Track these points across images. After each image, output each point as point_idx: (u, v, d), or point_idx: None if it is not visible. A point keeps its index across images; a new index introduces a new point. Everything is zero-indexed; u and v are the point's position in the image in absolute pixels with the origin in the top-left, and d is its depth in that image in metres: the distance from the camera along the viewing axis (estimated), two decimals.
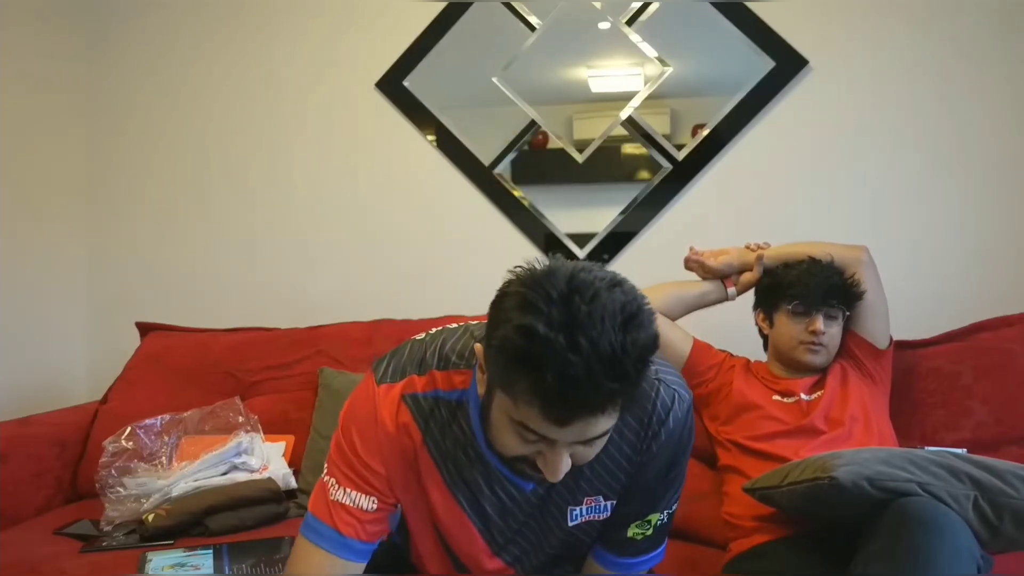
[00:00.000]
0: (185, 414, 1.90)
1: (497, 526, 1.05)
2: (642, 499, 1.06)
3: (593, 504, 1.04)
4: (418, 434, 1.00)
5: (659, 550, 1.12)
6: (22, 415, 2.02)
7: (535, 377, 0.78)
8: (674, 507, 1.09)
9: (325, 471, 1.05)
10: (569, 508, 1.04)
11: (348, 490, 1.02)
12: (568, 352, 0.76)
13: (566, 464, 0.87)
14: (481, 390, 0.93)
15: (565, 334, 0.77)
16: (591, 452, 0.89)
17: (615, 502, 1.06)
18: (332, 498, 1.02)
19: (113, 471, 1.75)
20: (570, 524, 1.05)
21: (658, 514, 1.07)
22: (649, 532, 1.07)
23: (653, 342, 0.82)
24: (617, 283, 0.82)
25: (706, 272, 1.81)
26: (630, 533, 1.07)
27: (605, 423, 0.84)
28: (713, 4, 2.25)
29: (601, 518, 1.06)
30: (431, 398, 1.00)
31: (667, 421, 1.00)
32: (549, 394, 0.79)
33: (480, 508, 1.03)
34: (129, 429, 1.83)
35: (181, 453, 1.81)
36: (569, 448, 0.87)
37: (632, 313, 0.80)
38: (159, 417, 1.88)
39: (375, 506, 1.02)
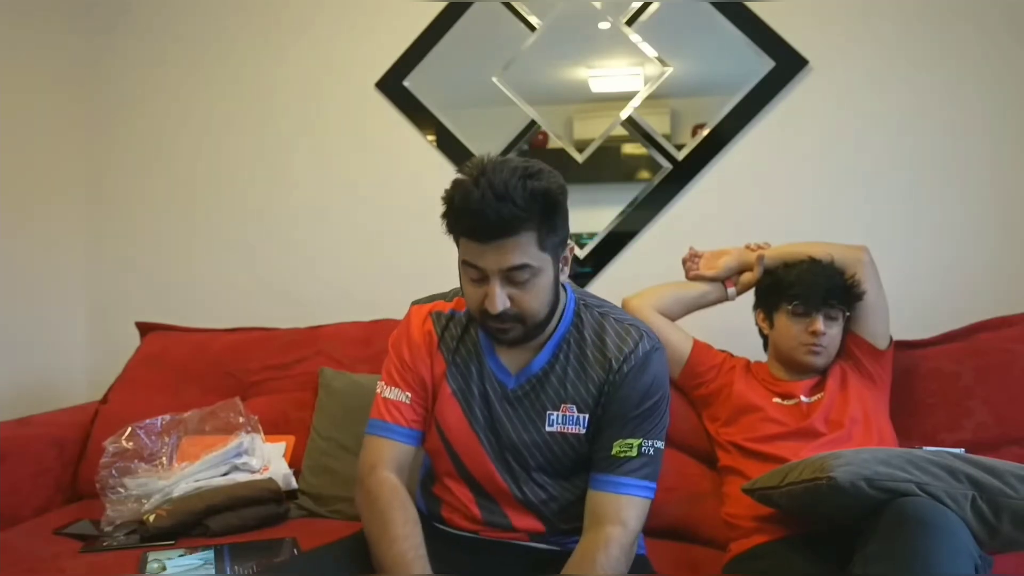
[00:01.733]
0: (185, 414, 1.89)
1: (481, 409, 1.29)
2: (621, 423, 1.24)
3: (568, 413, 1.26)
4: (435, 338, 1.32)
5: (647, 483, 1.24)
6: (22, 415, 2.02)
7: (453, 209, 1.15)
8: (658, 444, 1.26)
9: (380, 379, 1.35)
10: (547, 413, 1.26)
11: (390, 387, 1.33)
12: (472, 187, 1.11)
13: (501, 297, 1.14)
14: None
15: (473, 178, 1.12)
16: (525, 295, 1.16)
17: (588, 417, 1.26)
18: (381, 396, 1.33)
19: (113, 471, 1.75)
20: (547, 428, 1.26)
21: (639, 440, 1.24)
22: (632, 453, 1.23)
23: (547, 190, 1.12)
24: (535, 165, 1.14)
25: (706, 281, 1.82)
26: (614, 451, 1.23)
27: (517, 252, 1.12)
28: (713, 4, 2.25)
29: (576, 431, 1.26)
30: (448, 315, 1.34)
31: (636, 350, 1.25)
32: (462, 218, 1.13)
33: (470, 392, 1.29)
34: (129, 429, 1.83)
35: (181, 453, 1.81)
36: (503, 283, 1.14)
37: (533, 171, 1.12)
38: (159, 417, 1.87)
39: (409, 399, 1.31)
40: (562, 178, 1.17)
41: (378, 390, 1.34)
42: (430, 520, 1.37)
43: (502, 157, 1.17)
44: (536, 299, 1.18)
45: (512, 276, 1.15)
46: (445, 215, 1.17)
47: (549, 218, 1.14)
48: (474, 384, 1.29)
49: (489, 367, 1.29)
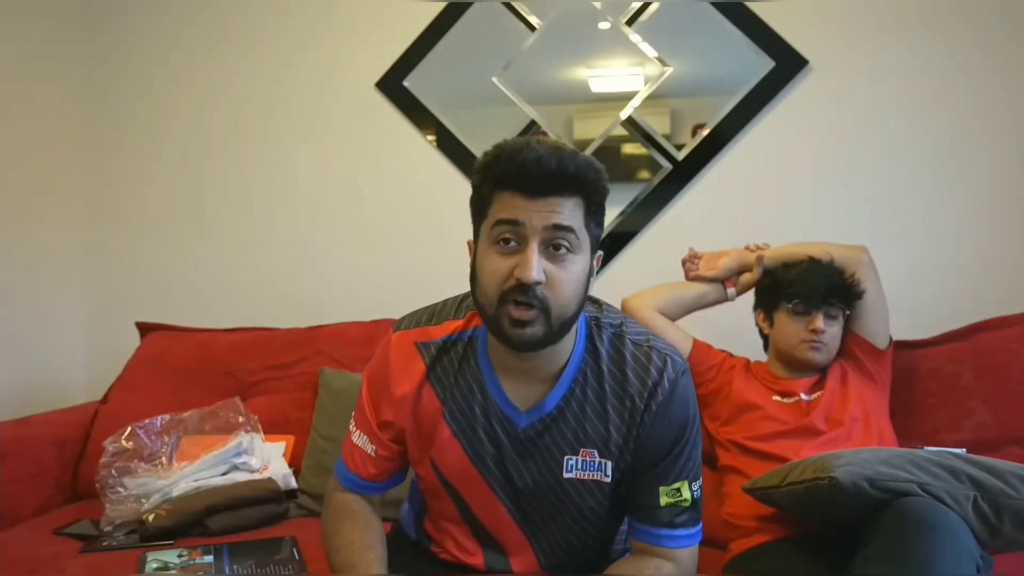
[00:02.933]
0: (185, 414, 1.89)
1: (490, 453, 1.12)
2: (662, 463, 1.10)
3: (588, 458, 1.10)
4: (424, 375, 1.14)
5: (697, 528, 1.13)
6: (22, 415, 2.02)
7: (501, 159, 1.01)
8: (699, 479, 1.13)
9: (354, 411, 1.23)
10: (565, 457, 1.11)
11: (358, 431, 1.21)
12: (524, 146, 1.00)
13: (539, 264, 0.99)
14: (471, 262, 1.09)
15: (521, 143, 1.01)
16: (559, 272, 1.01)
17: (612, 465, 1.10)
18: (350, 435, 1.22)
19: (113, 471, 1.75)
20: (566, 475, 1.11)
21: (686, 482, 1.11)
22: (685, 501, 1.10)
23: (601, 169, 1.03)
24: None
25: (706, 282, 1.82)
26: (663, 501, 1.10)
27: (566, 213, 1.00)
28: (713, 4, 2.25)
29: (598, 478, 1.11)
30: (440, 343, 1.15)
31: (662, 382, 1.09)
32: (512, 167, 0.99)
33: (474, 433, 1.12)
34: (129, 429, 1.83)
35: (181, 453, 1.81)
36: (542, 249, 1.00)
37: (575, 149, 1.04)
38: (159, 417, 1.87)
39: (375, 453, 1.19)
40: None
41: (350, 424, 1.23)
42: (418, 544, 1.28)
43: None
44: (569, 282, 1.02)
45: (555, 240, 1.00)
46: (484, 169, 1.03)
47: (597, 197, 1.04)
48: (479, 424, 1.12)
49: (496, 403, 1.12)
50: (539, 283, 0.99)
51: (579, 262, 1.03)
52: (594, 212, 1.05)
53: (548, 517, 1.15)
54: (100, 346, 2.55)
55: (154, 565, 1.47)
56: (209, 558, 1.50)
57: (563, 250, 1.01)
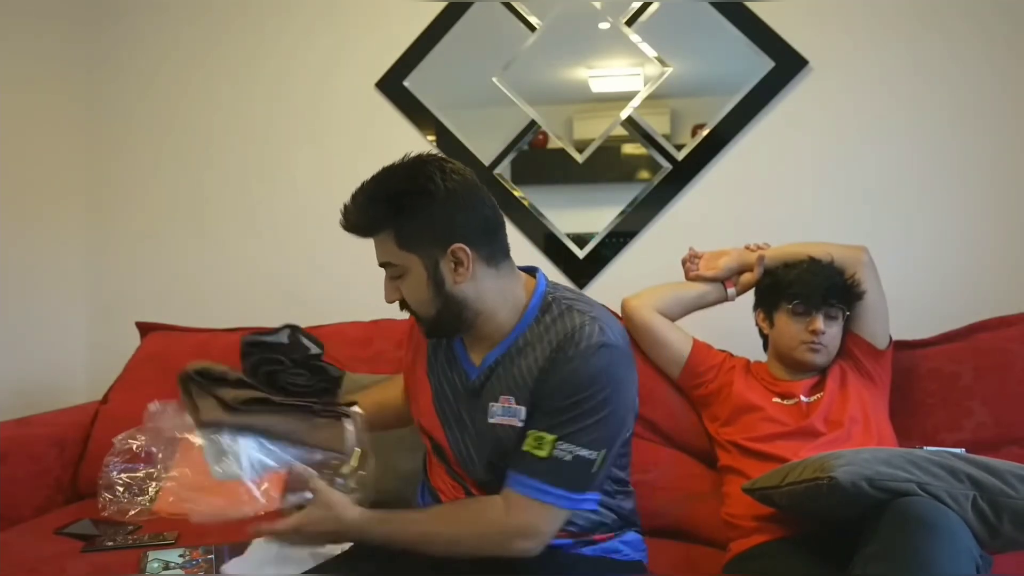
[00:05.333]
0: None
1: (447, 400, 1.30)
2: (543, 412, 1.18)
3: (507, 404, 1.22)
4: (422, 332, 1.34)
5: (556, 491, 1.15)
6: (22, 415, 2.02)
7: None
8: (580, 452, 1.15)
9: None
10: (490, 404, 1.23)
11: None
12: (345, 204, 1.23)
13: (388, 289, 1.24)
14: None
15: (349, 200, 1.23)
16: (404, 290, 1.22)
17: (526, 410, 1.20)
18: None
19: (114, 467, 1.75)
20: (490, 420, 1.23)
21: (553, 437, 1.15)
22: (542, 452, 1.15)
23: (394, 193, 1.18)
24: (398, 168, 1.21)
25: (706, 282, 1.82)
26: (525, 445, 1.17)
27: (380, 250, 1.21)
28: (713, 4, 2.25)
29: (513, 423, 1.21)
30: None
31: (575, 338, 1.17)
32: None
33: (440, 384, 1.31)
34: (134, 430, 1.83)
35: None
36: (390, 279, 1.23)
37: (389, 174, 1.20)
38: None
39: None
40: (443, 178, 1.17)
41: None
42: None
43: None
44: (412, 295, 1.21)
45: (388, 272, 1.23)
46: None
47: (402, 219, 1.17)
48: (443, 376, 1.32)
49: (456, 357, 1.31)
50: (396, 301, 1.24)
51: (412, 276, 1.20)
52: (407, 233, 1.18)
53: (489, 463, 1.24)
54: (100, 346, 2.55)
55: (155, 565, 1.47)
56: (210, 557, 1.50)
57: (395, 275, 1.22)
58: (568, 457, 1.15)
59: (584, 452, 1.15)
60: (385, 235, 1.19)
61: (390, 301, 1.24)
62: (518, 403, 1.21)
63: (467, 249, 1.18)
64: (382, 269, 1.24)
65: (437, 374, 1.33)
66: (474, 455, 1.27)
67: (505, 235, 1.26)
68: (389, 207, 1.18)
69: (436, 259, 1.19)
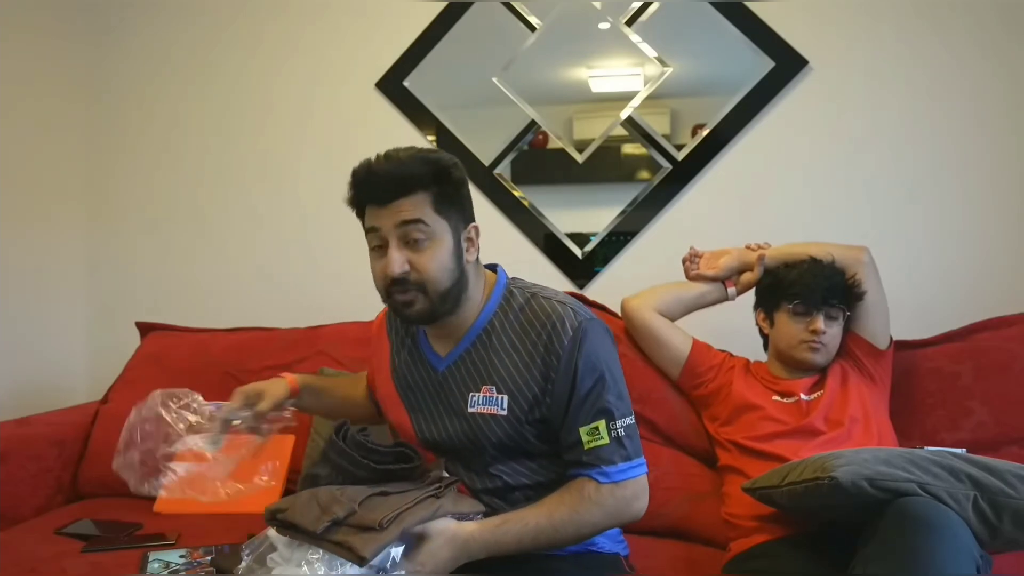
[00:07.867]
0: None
1: (412, 391, 1.35)
2: (573, 410, 1.23)
3: (487, 394, 1.26)
4: (384, 327, 1.44)
5: (629, 463, 1.23)
6: (22, 415, 2.02)
7: (355, 181, 1.22)
8: (627, 421, 1.24)
9: None
10: (470, 394, 1.27)
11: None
12: (365, 165, 1.21)
13: (399, 258, 1.19)
14: None
15: (365, 163, 1.22)
16: (421, 258, 1.20)
17: (510, 400, 1.24)
18: None
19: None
20: (469, 409, 1.27)
21: (603, 422, 1.22)
22: (603, 440, 1.22)
23: (439, 159, 1.22)
24: (433, 150, 1.27)
25: (706, 281, 1.82)
26: (586, 444, 1.22)
27: (411, 209, 1.19)
28: (713, 4, 2.25)
29: (495, 412, 1.25)
30: None
31: (564, 327, 1.23)
32: (361, 185, 1.21)
33: (403, 376, 1.36)
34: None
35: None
36: (400, 245, 1.20)
37: (427, 150, 1.25)
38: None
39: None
40: (463, 167, 1.26)
41: None
42: None
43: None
44: (433, 261, 1.20)
45: (408, 234, 1.19)
46: (350, 193, 1.24)
47: (442, 184, 1.21)
48: (407, 369, 1.36)
49: (421, 350, 1.35)
50: (405, 273, 1.20)
51: (439, 243, 1.21)
52: (443, 199, 1.21)
53: (460, 448, 1.29)
54: (100, 346, 2.55)
55: (155, 565, 1.47)
56: (210, 558, 1.50)
57: (418, 237, 1.20)
58: (622, 431, 1.23)
59: (628, 420, 1.25)
60: (422, 195, 1.20)
61: (397, 273, 1.20)
62: (499, 392, 1.26)
63: (478, 230, 1.29)
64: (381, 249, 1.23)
65: (402, 372, 1.37)
66: (447, 446, 1.30)
67: None
68: (432, 169, 1.21)
69: (459, 231, 1.25)
